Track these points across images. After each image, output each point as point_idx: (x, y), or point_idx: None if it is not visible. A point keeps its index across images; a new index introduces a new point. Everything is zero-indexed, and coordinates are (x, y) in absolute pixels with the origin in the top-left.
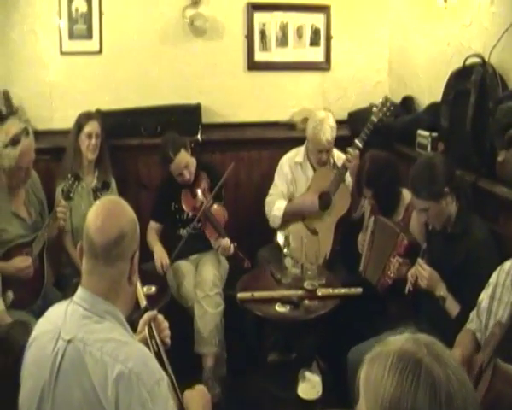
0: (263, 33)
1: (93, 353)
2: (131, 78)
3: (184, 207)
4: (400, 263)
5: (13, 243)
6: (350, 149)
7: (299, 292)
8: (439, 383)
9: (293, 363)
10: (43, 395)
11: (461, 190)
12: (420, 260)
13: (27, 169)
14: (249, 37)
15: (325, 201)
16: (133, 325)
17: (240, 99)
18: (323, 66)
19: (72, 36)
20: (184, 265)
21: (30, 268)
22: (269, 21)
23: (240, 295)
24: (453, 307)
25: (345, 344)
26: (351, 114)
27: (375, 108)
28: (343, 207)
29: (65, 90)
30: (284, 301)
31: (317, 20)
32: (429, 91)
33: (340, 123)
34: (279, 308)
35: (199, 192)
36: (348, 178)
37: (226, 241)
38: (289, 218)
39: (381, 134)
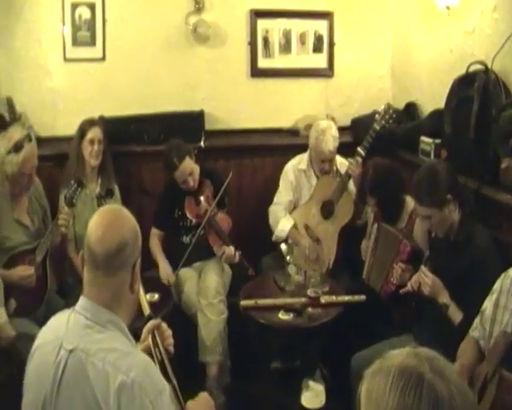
0: (266, 40)
1: (95, 363)
2: (134, 84)
3: (188, 214)
4: (403, 269)
5: (16, 250)
6: (351, 159)
7: (303, 300)
8: (442, 399)
9: (296, 370)
10: (45, 405)
11: (464, 197)
12: (423, 268)
13: (30, 176)
14: (252, 43)
15: (328, 209)
16: (136, 333)
17: (243, 106)
18: (326, 72)
19: (75, 43)
20: (187, 272)
21: (32, 277)
22: (272, 28)
23: (243, 302)
24: (456, 315)
25: (348, 351)
26: (354, 121)
27: (377, 116)
28: (346, 216)
29: (68, 96)
30: (287, 308)
31: (320, 26)
32: (432, 98)
33: (342, 129)
34: (282, 316)
35: (202, 199)
36: (351, 186)
37: (231, 249)
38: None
39: (384, 140)
